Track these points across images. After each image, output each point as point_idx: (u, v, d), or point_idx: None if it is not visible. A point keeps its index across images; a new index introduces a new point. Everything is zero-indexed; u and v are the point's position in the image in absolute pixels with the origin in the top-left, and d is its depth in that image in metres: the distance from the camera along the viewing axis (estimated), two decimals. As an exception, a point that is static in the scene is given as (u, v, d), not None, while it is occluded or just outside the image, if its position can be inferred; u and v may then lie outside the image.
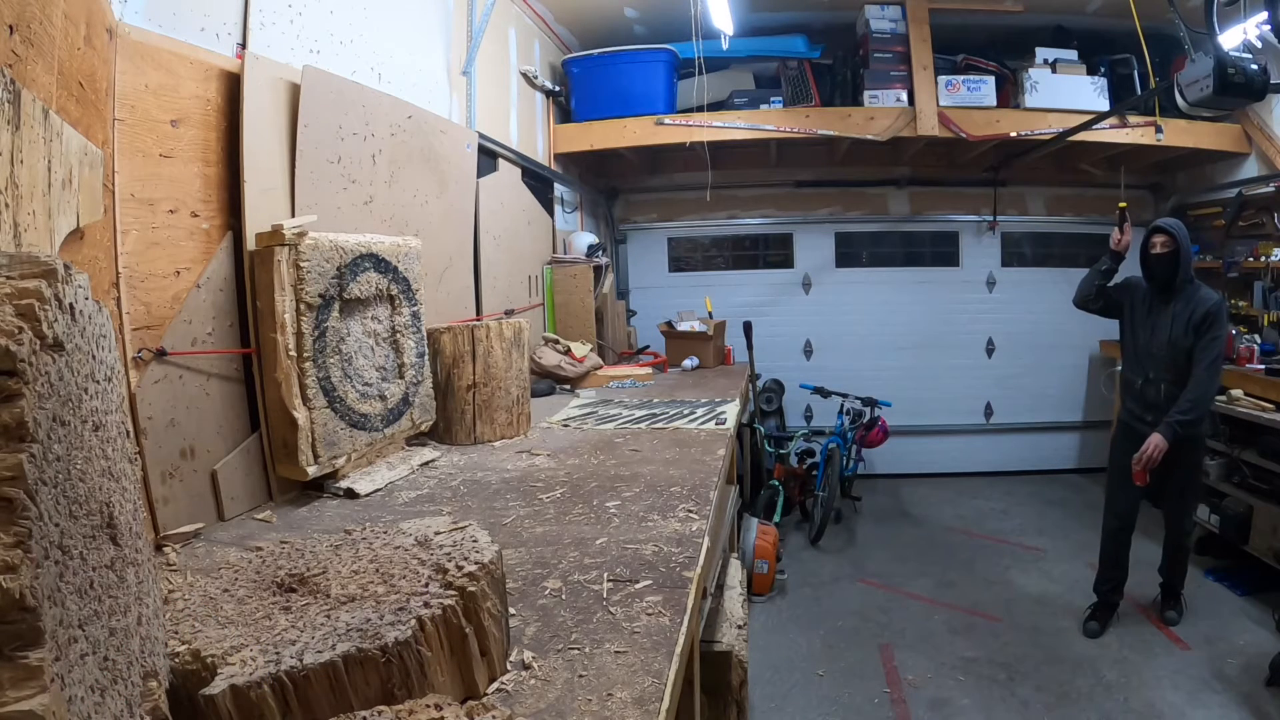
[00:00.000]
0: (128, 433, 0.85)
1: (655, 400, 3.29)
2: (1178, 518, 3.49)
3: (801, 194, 6.25)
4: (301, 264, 1.86)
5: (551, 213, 4.58)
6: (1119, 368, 3.93)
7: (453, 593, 0.99)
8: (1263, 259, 4.66)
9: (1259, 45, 3.33)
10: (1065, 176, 5.98)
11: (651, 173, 6.16)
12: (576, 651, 1.12)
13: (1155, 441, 3.15)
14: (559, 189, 4.85)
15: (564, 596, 1.31)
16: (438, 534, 1.19)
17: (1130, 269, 3.49)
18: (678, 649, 1.12)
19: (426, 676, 0.92)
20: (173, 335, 1.68)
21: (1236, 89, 3.00)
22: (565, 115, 5.01)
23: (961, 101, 4.87)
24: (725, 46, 4.47)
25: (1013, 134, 4.89)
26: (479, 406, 2.53)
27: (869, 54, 4.89)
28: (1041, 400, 6.23)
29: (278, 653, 0.87)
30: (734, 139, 4.94)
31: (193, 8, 1.79)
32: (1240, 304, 4.98)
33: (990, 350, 6.27)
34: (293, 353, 1.86)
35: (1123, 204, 3.47)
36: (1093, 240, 5.88)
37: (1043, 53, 4.96)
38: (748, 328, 5.15)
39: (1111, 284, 3.51)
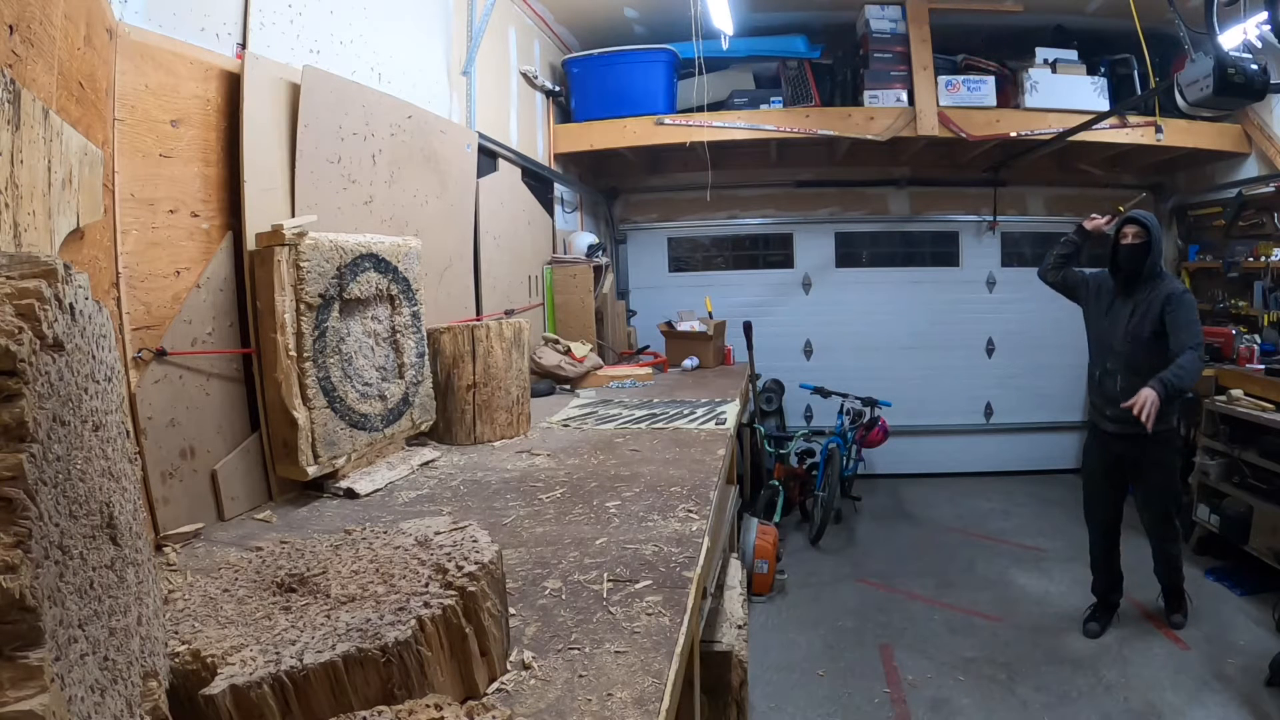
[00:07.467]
0: (128, 433, 0.85)
1: (655, 400, 3.29)
2: (1155, 522, 3.46)
3: (801, 194, 6.25)
4: (301, 264, 1.86)
5: (551, 213, 4.58)
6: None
7: (453, 593, 0.98)
8: (1263, 259, 4.66)
9: (1259, 45, 3.33)
10: (1065, 176, 5.98)
11: (651, 173, 6.16)
12: (576, 651, 1.12)
13: (1147, 393, 2.90)
14: (559, 189, 4.85)
15: (564, 596, 1.31)
16: (438, 534, 1.19)
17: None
18: (678, 649, 1.12)
19: (426, 676, 0.92)
20: (173, 335, 1.68)
21: (1236, 89, 2.99)
22: (565, 115, 5.01)
23: (961, 101, 4.87)
24: (725, 46, 4.47)
25: (1013, 134, 4.89)
26: (479, 406, 2.53)
27: (869, 54, 4.89)
28: (1041, 400, 6.23)
29: (278, 653, 0.87)
30: (734, 139, 4.94)
31: (193, 8, 1.78)
32: (1240, 304, 4.98)
33: (990, 350, 6.27)
34: (293, 353, 1.86)
35: (1121, 206, 3.51)
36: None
37: (1043, 53, 4.96)
38: (748, 328, 5.15)
39: (1076, 267, 3.56)
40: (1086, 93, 4.90)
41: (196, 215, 1.76)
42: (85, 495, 0.68)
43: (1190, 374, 3.03)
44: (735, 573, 2.70)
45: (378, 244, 2.15)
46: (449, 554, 1.09)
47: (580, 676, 1.05)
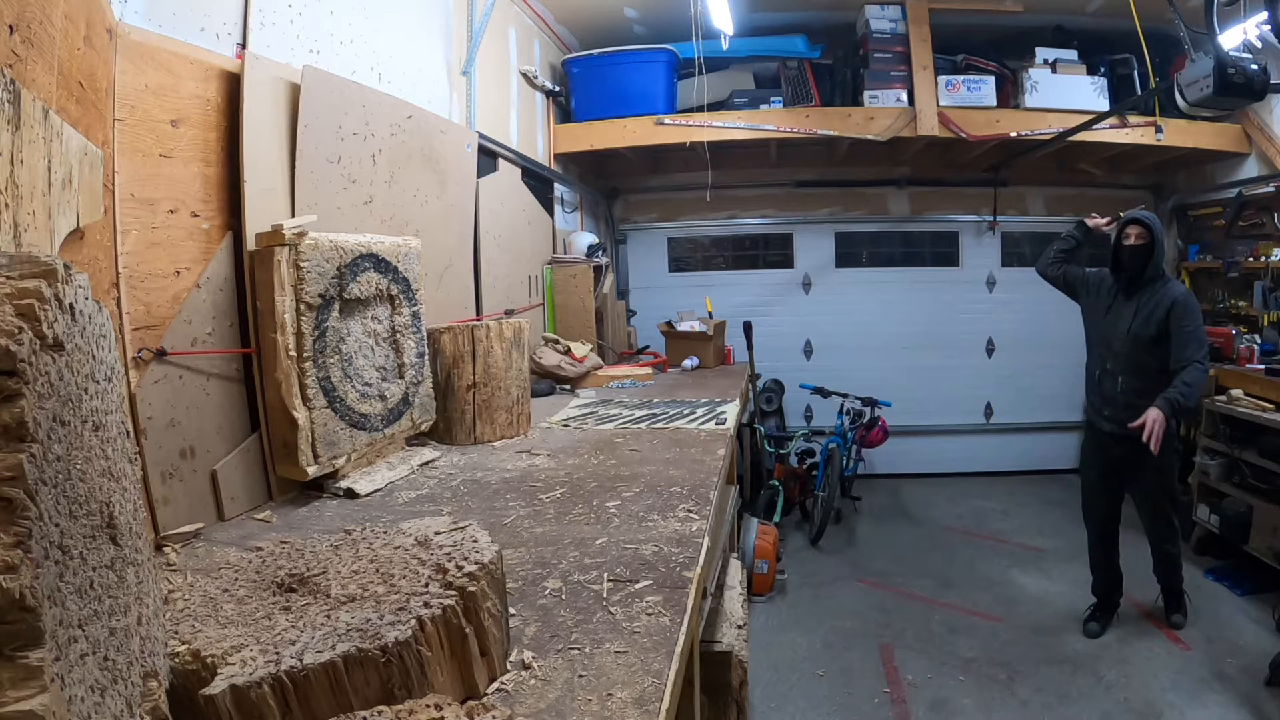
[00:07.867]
0: (128, 433, 0.85)
1: (655, 400, 3.29)
2: (1153, 522, 3.45)
3: (801, 194, 6.25)
4: (301, 264, 1.86)
5: (551, 213, 4.58)
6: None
7: (453, 593, 0.99)
8: (1263, 259, 4.66)
9: (1259, 45, 3.33)
10: (1065, 176, 5.98)
11: (651, 173, 6.16)
12: (576, 651, 1.12)
13: (1154, 415, 2.94)
14: (559, 189, 4.85)
15: (564, 596, 1.31)
16: (438, 534, 1.19)
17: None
18: (678, 649, 1.12)
19: (426, 676, 0.92)
20: (173, 335, 1.68)
21: (1236, 89, 2.99)
22: (565, 115, 5.01)
23: (961, 101, 4.86)
24: (725, 46, 4.47)
25: (1013, 134, 4.88)
26: (479, 406, 2.53)
27: (869, 54, 4.89)
28: (1041, 400, 6.23)
29: (278, 653, 0.87)
30: (734, 139, 4.94)
31: (193, 8, 1.78)
32: (1240, 304, 4.98)
33: (990, 350, 6.27)
34: (293, 353, 1.86)
35: (1122, 213, 3.52)
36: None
37: (1043, 53, 4.96)
38: (748, 328, 5.15)
39: (1076, 265, 3.57)
40: (1086, 93, 4.90)
41: (196, 215, 1.76)
42: (85, 495, 0.68)
43: (1196, 391, 3.03)
44: (735, 573, 2.70)
45: (378, 244, 2.15)
46: (449, 554, 1.09)
47: (580, 676, 1.05)
